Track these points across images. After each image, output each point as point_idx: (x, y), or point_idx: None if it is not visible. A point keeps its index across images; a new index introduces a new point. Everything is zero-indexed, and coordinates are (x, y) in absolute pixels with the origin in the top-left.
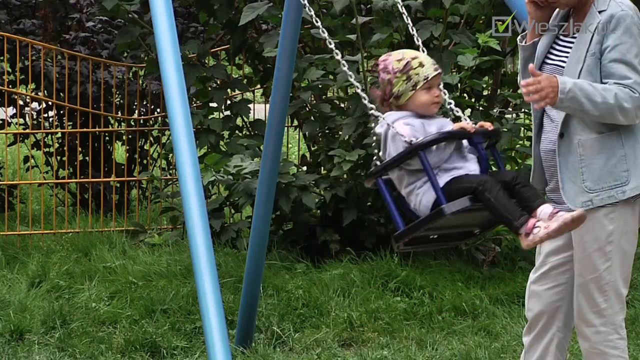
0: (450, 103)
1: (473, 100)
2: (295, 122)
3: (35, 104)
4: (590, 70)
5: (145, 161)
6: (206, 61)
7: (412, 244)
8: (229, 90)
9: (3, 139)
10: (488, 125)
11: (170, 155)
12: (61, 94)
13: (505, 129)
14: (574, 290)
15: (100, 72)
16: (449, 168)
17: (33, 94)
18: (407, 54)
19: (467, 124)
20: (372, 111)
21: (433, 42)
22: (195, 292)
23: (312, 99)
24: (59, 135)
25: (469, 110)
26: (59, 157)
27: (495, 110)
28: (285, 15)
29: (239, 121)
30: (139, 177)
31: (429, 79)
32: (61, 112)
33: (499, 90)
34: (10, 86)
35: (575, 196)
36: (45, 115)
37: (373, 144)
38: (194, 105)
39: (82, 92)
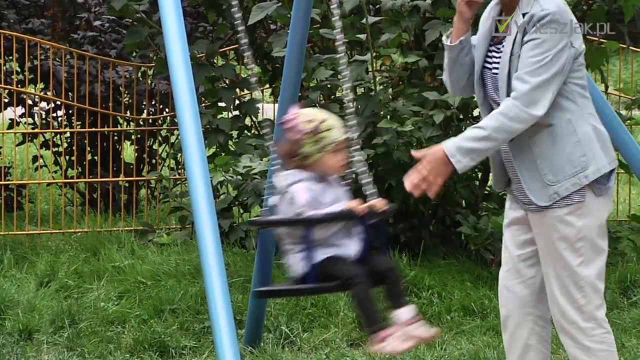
0: (359, 175)
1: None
2: None
3: (44, 104)
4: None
5: (154, 161)
6: (215, 61)
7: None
8: (237, 89)
9: (12, 138)
10: (381, 205)
11: (179, 154)
12: (70, 93)
13: None
14: (550, 288)
15: (109, 72)
16: (330, 244)
17: (42, 93)
18: (317, 115)
19: (358, 205)
20: (278, 167)
21: (442, 42)
22: (203, 292)
23: (321, 98)
24: (68, 134)
25: (478, 110)
26: (67, 157)
27: None
28: (294, 15)
29: (247, 121)
30: (148, 177)
31: (337, 143)
32: (70, 111)
33: None
34: (19, 86)
35: (540, 192)
36: (54, 114)
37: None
38: (203, 105)
39: (91, 92)
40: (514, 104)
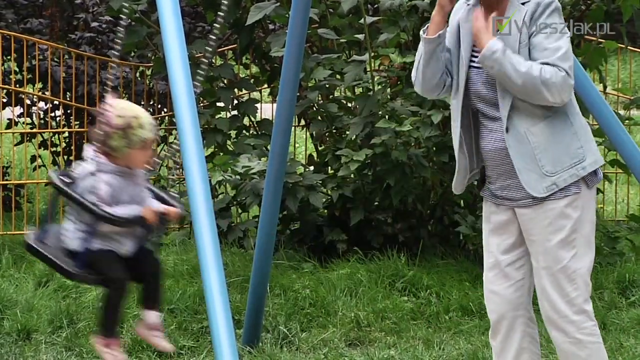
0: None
1: None
2: (303, 122)
3: (42, 104)
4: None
5: None
6: (213, 61)
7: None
8: (236, 89)
9: (10, 138)
10: (173, 214)
11: (177, 154)
12: (68, 93)
13: None
14: (540, 283)
15: (107, 72)
16: (109, 237)
17: (40, 93)
18: (129, 111)
19: (152, 214)
20: (87, 152)
21: None
22: (202, 292)
23: (320, 98)
24: (66, 134)
25: None
26: (66, 157)
27: None
28: (292, 15)
29: (246, 121)
30: (146, 177)
31: (144, 140)
32: (68, 111)
33: None
34: (17, 85)
35: (537, 183)
36: (52, 114)
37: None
38: (201, 104)
39: (89, 92)
40: (564, 77)
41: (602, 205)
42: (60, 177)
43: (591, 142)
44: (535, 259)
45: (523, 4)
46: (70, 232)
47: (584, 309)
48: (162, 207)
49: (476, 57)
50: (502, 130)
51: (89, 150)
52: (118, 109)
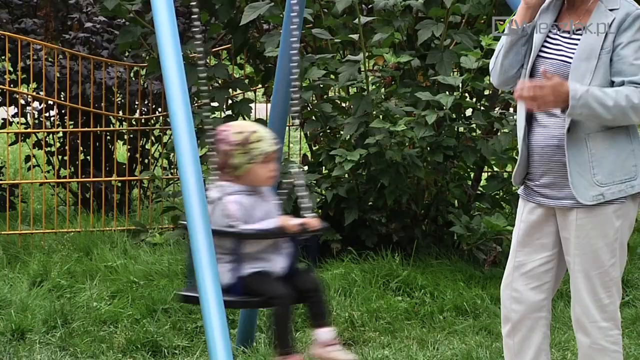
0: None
1: (474, 100)
2: (297, 122)
3: (36, 104)
4: (605, 67)
5: (146, 161)
6: (208, 60)
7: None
8: (230, 89)
9: (4, 138)
10: (314, 224)
11: (172, 154)
12: (62, 93)
13: (506, 130)
14: (575, 285)
15: (102, 72)
16: (258, 258)
17: (34, 93)
18: (247, 127)
19: (290, 222)
20: (213, 177)
21: (434, 41)
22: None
23: (314, 98)
24: (60, 134)
25: (470, 110)
26: (60, 157)
27: (496, 111)
28: (286, 15)
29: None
30: (141, 177)
31: (266, 153)
32: (62, 111)
33: (500, 91)
34: (11, 85)
35: (586, 190)
36: (47, 114)
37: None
38: (196, 104)
39: (83, 92)
40: None
41: None
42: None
43: None
44: (574, 261)
45: (611, 10)
46: (221, 270)
47: (614, 317)
48: (299, 219)
49: (554, 43)
50: (559, 128)
51: (212, 185)
52: (235, 126)
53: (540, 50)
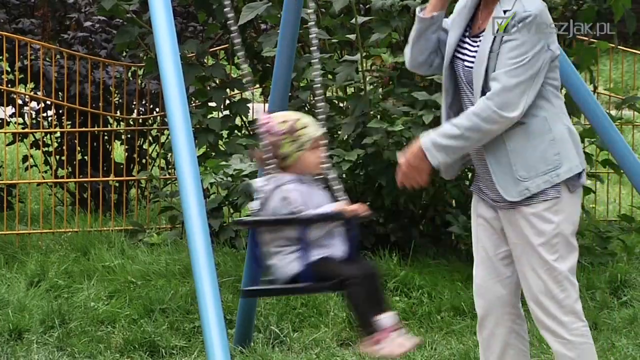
0: (335, 179)
1: None
2: None
3: (34, 104)
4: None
5: (144, 160)
6: (205, 60)
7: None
8: (227, 89)
9: (2, 138)
10: (363, 210)
11: (169, 154)
12: (60, 93)
13: None
14: (527, 285)
15: (99, 72)
16: (322, 244)
17: (32, 93)
18: (290, 116)
19: (346, 207)
20: (268, 168)
21: None
22: (194, 292)
23: (311, 98)
24: (58, 134)
25: None
26: (57, 157)
27: None
28: (284, 15)
29: (238, 121)
30: (138, 177)
31: (314, 139)
32: (60, 111)
33: None
34: (9, 85)
35: (510, 188)
36: (44, 114)
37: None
38: (193, 104)
39: (81, 92)
40: (488, 105)
41: (593, 205)
42: (244, 217)
43: (572, 148)
44: (519, 261)
45: (505, 11)
46: (283, 262)
47: (574, 310)
48: (353, 205)
49: (464, 47)
50: None
51: (257, 181)
52: (278, 117)
53: (456, 51)
